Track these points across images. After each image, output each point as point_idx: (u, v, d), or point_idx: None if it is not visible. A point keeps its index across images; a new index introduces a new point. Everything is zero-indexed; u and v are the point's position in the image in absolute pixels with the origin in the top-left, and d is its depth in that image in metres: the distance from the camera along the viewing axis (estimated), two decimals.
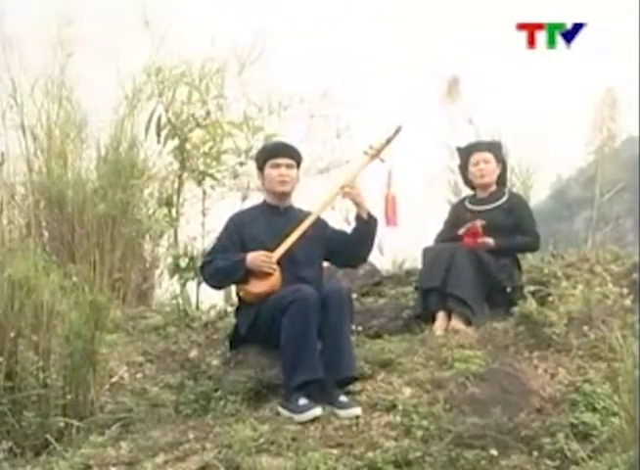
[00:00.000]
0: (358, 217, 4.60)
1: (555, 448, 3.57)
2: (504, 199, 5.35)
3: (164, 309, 5.93)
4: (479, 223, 5.14)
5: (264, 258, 4.41)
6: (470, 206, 5.42)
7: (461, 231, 5.19)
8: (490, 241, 5.12)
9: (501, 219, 5.22)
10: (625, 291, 4.84)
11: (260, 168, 4.69)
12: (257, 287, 4.42)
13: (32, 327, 4.30)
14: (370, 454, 3.63)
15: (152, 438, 3.99)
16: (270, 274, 4.41)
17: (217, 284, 4.75)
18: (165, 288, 6.49)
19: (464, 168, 5.51)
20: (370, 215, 4.58)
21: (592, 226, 6.82)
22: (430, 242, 5.45)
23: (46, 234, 6.51)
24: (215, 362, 4.89)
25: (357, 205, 4.59)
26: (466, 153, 5.49)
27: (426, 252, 5.22)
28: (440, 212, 5.72)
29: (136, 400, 4.47)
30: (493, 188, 5.41)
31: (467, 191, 5.71)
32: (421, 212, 6.21)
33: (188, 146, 6.20)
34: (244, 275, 4.43)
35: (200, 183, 6.23)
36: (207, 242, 5.76)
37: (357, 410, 4.01)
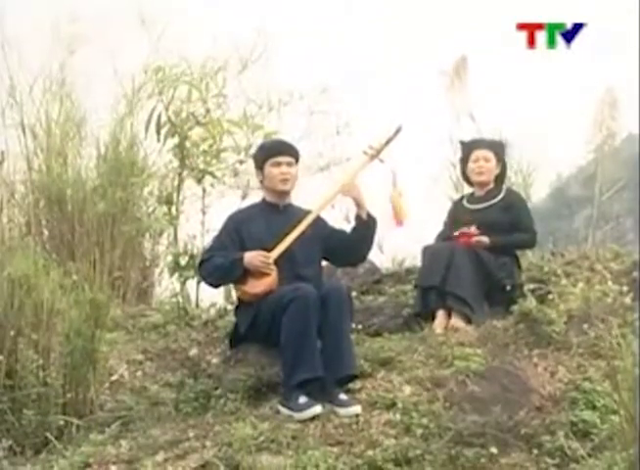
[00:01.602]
0: (358, 217, 4.60)
1: (555, 446, 3.58)
2: (501, 196, 5.36)
3: (164, 308, 5.93)
4: (474, 230, 5.16)
5: (262, 258, 4.40)
6: (467, 204, 5.43)
7: (456, 234, 5.22)
8: (485, 239, 5.13)
9: (498, 217, 5.23)
10: (625, 289, 4.85)
11: (260, 167, 4.68)
12: (254, 287, 4.41)
13: (32, 325, 4.30)
14: (370, 452, 3.63)
15: (152, 436, 3.99)
16: (267, 274, 4.40)
17: (215, 282, 4.74)
18: (165, 286, 6.50)
19: (464, 163, 5.51)
20: (369, 215, 4.58)
21: (592, 224, 6.82)
22: (430, 240, 5.45)
23: (46, 232, 6.51)
24: (215, 361, 4.89)
25: (357, 204, 4.59)
26: (468, 148, 5.50)
27: (425, 250, 5.23)
28: (441, 211, 5.73)
29: (136, 399, 4.47)
30: (491, 186, 5.42)
31: (468, 188, 5.71)
32: (421, 211, 6.21)
33: (188, 144, 6.19)
34: (241, 274, 4.43)
35: (199, 181, 6.23)
36: (207, 240, 5.75)
37: (357, 408, 4.02)
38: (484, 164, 5.38)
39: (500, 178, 5.48)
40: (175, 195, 6.28)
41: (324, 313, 4.20)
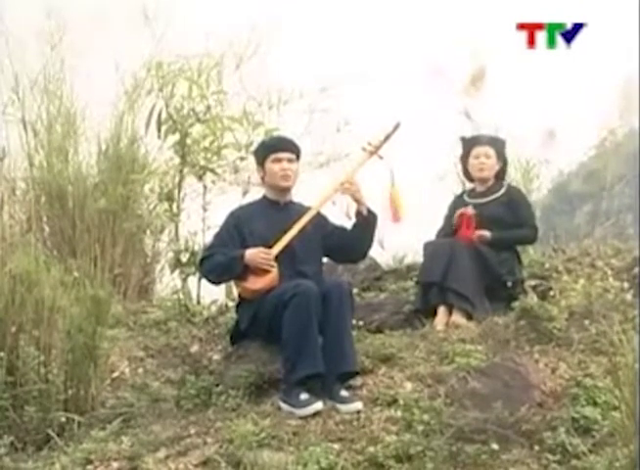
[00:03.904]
0: (358, 214, 4.60)
1: (556, 443, 3.58)
2: (502, 191, 5.37)
3: (165, 304, 5.93)
4: (470, 209, 5.18)
5: (263, 255, 4.41)
6: (468, 199, 5.43)
7: (455, 220, 5.23)
8: (487, 234, 5.13)
9: (499, 212, 5.23)
10: (626, 285, 4.84)
11: (261, 163, 4.68)
12: (255, 284, 4.42)
13: (33, 322, 4.30)
14: (371, 449, 3.64)
15: (153, 432, 3.99)
16: (268, 271, 4.40)
17: (215, 279, 4.75)
18: (166, 283, 6.49)
19: (464, 159, 5.51)
20: (369, 211, 4.58)
21: (598, 220, 6.82)
22: (431, 236, 5.45)
23: (47, 229, 6.50)
24: (216, 357, 4.89)
25: (356, 201, 4.59)
26: (469, 144, 5.50)
27: (426, 246, 5.24)
28: (441, 207, 5.73)
29: (137, 395, 4.47)
30: (491, 182, 5.42)
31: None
32: (421, 207, 6.20)
33: (188, 141, 6.19)
34: (242, 271, 4.43)
35: (200, 178, 6.23)
36: (208, 237, 5.76)
37: (358, 405, 4.02)
38: (485, 161, 5.38)
39: (501, 174, 5.48)
40: (176, 192, 6.28)
41: (325, 310, 4.20)
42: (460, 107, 6.97)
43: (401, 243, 6.37)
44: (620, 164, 7.43)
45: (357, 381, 4.24)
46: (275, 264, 4.41)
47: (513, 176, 6.63)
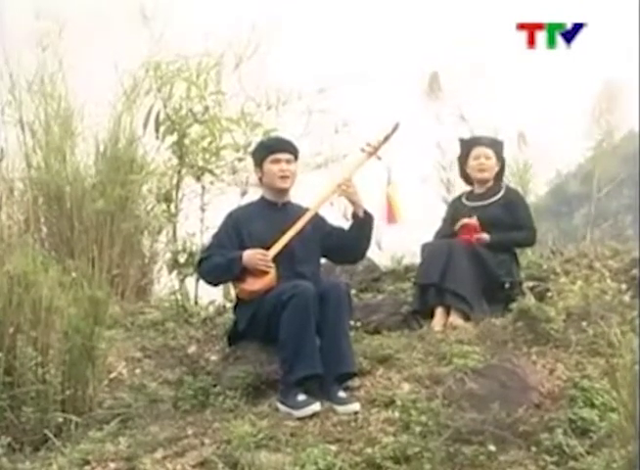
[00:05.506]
0: (354, 215, 4.60)
1: (553, 444, 3.58)
2: (501, 194, 5.36)
3: (163, 305, 5.94)
4: (474, 220, 5.16)
5: (260, 257, 4.40)
6: (467, 202, 5.42)
7: (457, 227, 5.22)
8: (486, 236, 5.13)
9: (498, 214, 5.23)
10: (624, 287, 4.84)
11: (259, 164, 4.68)
12: (253, 285, 4.41)
13: (31, 323, 4.29)
14: (369, 450, 3.63)
15: (150, 433, 3.99)
16: (266, 272, 4.40)
17: (213, 281, 4.76)
18: (164, 284, 6.50)
19: (463, 161, 5.49)
20: (366, 213, 4.58)
21: (590, 222, 6.83)
22: (429, 237, 5.45)
23: (45, 230, 6.50)
24: (214, 358, 4.89)
25: (353, 203, 4.58)
26: (468, 145, 5.48)
27: (424, 247, 5.23)
28: (440, 208, 5.73)
29: (135, 396, 4.47)
30: (490, 184, 5.41)
31: (460, 187, 5.70)
32: (420, 208, 6.21)
33: (187, 141, 6.19)
34: (240, 273, 4.43)
35: (198, 179, 6.23)
36: (206, 237, 5.76)
37: (356, 406, 4.02)
38: (485, 162, 5.36)
39: (499, 176, 5.48)
40: (174, 192, 6.28)
41: (323, 311, 4.20)
42: (457, 108, 6.99)
43: (397, 244, 6.38)
44: (618, 166, 7.44)
45: (355, 382, 4.24)
46: (273, 265, 4.41)
47: (510, 179, 6.64)
